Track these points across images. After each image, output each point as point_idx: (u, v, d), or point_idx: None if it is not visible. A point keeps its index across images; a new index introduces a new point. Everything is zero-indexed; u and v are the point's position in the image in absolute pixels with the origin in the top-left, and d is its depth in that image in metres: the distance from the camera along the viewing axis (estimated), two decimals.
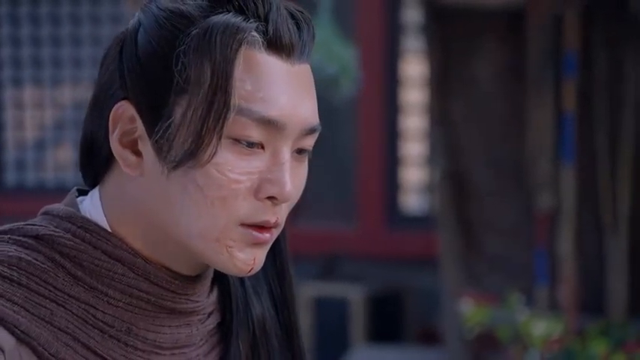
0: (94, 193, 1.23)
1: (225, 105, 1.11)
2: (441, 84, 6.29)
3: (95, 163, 1.23)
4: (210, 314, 1.23)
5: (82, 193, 1.27)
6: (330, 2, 5.12)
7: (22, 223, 1.23)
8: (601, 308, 6.03)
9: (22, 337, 1.12)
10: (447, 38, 6.28)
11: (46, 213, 1.23)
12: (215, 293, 1.25)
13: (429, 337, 6.75)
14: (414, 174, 7.84)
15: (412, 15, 7.78)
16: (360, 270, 7.21)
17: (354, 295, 6.73)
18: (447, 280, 6.12)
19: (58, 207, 1.23)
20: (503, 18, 6.21)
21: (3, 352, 1.10)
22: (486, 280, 6.13)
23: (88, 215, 1.21)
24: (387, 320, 6.91)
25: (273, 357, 1.28)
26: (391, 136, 7.60)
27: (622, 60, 6.11)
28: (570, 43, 6.04)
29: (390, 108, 7.60)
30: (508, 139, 6.25)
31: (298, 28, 1.16)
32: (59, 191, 6.93)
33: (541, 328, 5.13)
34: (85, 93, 7.75)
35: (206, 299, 1.22)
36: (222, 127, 1.12)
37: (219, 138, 1.12)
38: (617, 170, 6.08)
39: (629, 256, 6.05)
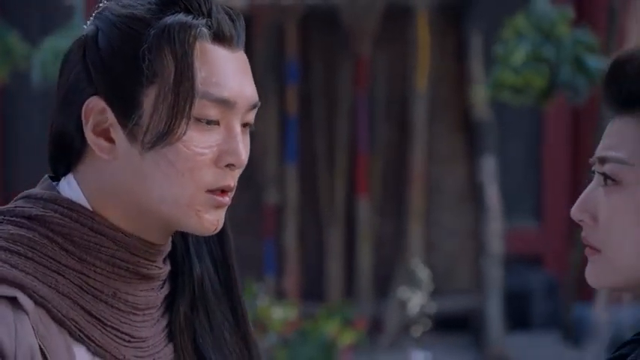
0: (70, 179, 1.36)
1: (191, 90, 1.29)
2: None
3: (67, 153, 1.37)
4: (164, 282, 1.40)
5: (52, 179, 1.39)
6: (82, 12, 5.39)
7: (10, 205, 1.36)
8: (321, 293, 6.62)
9: (40, 301, 1.28)
10: None
11: (27, 197, 1.35)
12: (168, 265, 1.41)
13: None
14: None
15: None
16: None
17: None
18: None
19: (39, 191, 1.36)
20: None
21: (27, 313, 1.27)
22: None
23: (68, 197, 1.35)
24: None
25: (212, 310, 1.43)
26: None
27: (336, 68, 6.72)
28: (291, 52, 6.58)
29: None
30: None
31: (233, 22, 1.34)
32: None
33: (278, 312, 5.62)
34: None
35: (164, 267, 1.39)
36: (190, 110, 1.28)
37: (188, 119, 1.29)
38: (334, 168, 6.70)
39: (344, 246, 6.68)
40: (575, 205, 1.37)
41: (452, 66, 6.82)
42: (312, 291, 6.60)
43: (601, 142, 1.37)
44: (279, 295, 6.34)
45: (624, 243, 1.33)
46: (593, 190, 1.36)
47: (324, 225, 6.67)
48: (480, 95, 6.49)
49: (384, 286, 6.59)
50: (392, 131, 6.80)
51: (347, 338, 5.59)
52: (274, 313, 5.57)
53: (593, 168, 1.37)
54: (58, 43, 5.19)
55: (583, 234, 1.37)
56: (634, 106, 1.33)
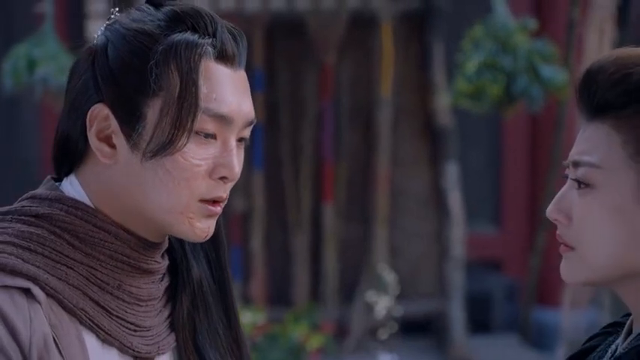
0: (72, 179, 1.44)
1: (195, 105, 1.36)
2: None
3: (71, 156, 1.44)
4: (164, 275, 1.49)
5: (54, 180, 1.46)
6: (52, 20, 5.44)
7: (16, 205, 1.43)
8: (288, 298, 6.69)
9: (52, 293, 1.36)
10: None
11: (32, 197, 1.43)
12: (166, 259, 1.49)
13: None
14: None
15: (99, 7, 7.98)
16: None
17: None
18: None
19: (43, 191, 1.44)
20: None
21: (40, 304, 1.34)
22: None
23: (72, 196, 1.42)
24: None
25: (210, 309, 1.52)
26: None
27: (302, 75, 6.81)
28: (257, 59, 6.66)
29: None
30: None
31: (236, 42, 1.42)
32: None
33: (247, 317, 5.69)
34: None
35: (163, 261, 1.47)
36: (192, 124, 1.36)
37: (190, 132, 1.36)
38: (300, 175, 6.78)
39: (310, 251, 6.76)
40: (551, 204, 1.45)
41: (415, 74, 6.92)
42: (279, 296, 6.67)
43: (574, 147, 1.45)
44: (246, 300, 6.40)
45: (596, 241, 1.41)
46: (568, 191, 1.43)
47: (291, 231, 6.75)
48: (442, 103, 6.60)
49: (350, 290, 6.67)
50: (357, 138, 6.88)
51: (315, 342, 5.67)
52: (243, 317, 5.64)
53: (566, 171, 1.44)
54: (31, 50, 5.23)
55: (558, 232, 1.45)
56: (604, 113, 1.40)
